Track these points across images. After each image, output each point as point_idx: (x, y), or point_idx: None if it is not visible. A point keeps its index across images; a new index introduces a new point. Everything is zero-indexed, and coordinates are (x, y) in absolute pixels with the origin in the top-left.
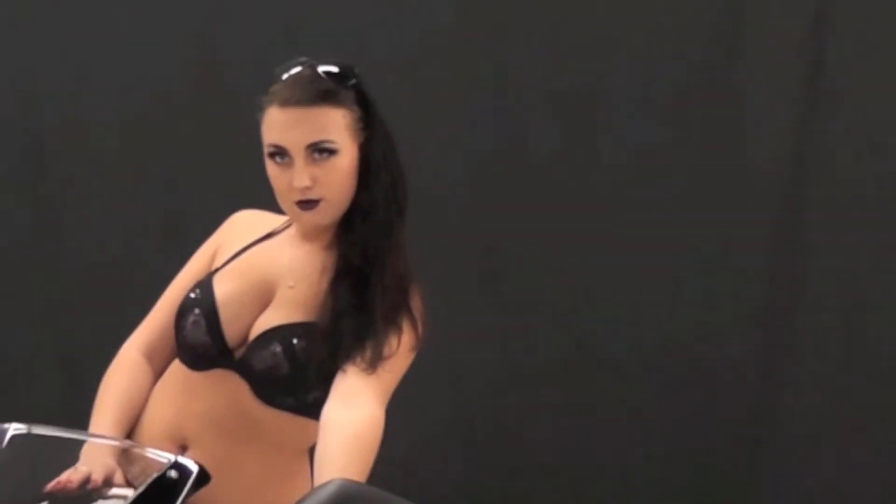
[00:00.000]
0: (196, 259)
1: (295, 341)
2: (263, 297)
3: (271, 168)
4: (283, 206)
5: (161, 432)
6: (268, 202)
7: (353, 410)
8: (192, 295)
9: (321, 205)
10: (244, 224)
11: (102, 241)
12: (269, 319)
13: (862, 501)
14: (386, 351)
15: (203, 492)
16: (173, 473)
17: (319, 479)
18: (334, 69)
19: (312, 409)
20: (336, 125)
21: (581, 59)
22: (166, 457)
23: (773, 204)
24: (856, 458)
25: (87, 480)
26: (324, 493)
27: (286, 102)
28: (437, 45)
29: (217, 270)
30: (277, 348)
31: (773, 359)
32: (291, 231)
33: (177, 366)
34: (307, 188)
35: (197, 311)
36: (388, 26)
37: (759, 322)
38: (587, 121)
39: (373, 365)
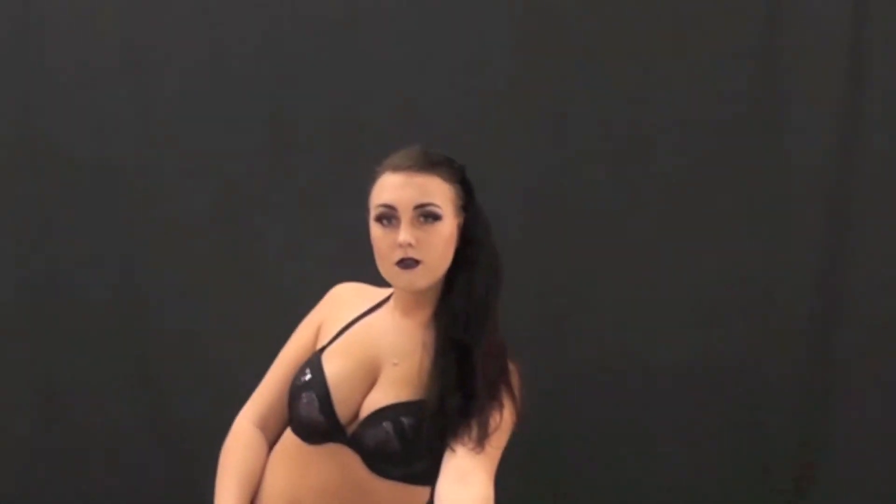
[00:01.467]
0: (300, 334)
1: (404, 420)
2: (370, 375)
3: (376, 231)
4: (382, 268)
5: (283, 500)
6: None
7: (468, 489)
8: (305, 377)
9: (420, 267)
10: (345, 298)
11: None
12: (379, 399)
13: None
14: (491, 427)
15: None
16: None
17: None
18: (442, 152)
19: (420, 478)
20: (442, 194)
21: (630, 102)
22: None
23: (816, 216)
24: None
25: None
26: None
27: (398, 168)
28: (497, 101)
29: (324, 348)
30: (388, 426)
31: (816, 372)
32: (391, 307)
33: (290, 438)
34: (410, 246)
35: (311, 392)
36: (452, 84)
37: (803, 333)
38: (636, 157)
39: (480, 443)
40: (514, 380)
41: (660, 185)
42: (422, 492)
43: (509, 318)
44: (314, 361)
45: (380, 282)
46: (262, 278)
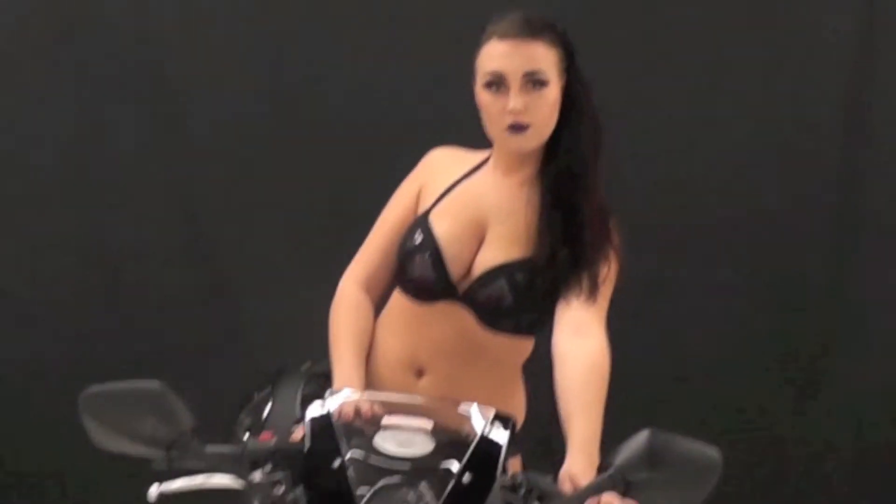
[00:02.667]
0: (400, 199)
1: (517, 276)
2: (478, 233)
3: (485, 97)
4: (492, 132)
5: (398, 362)
6: None
7: (586, 342)
8: (416, 239)
9: (529, 131)
10: (443, 162)
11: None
12: (492, 257)
13: None
14: (600, 278)
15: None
16: (495, 427)
17: (568, 407)
18: (543, 16)
19: (528, 329)
20: (547, 60)
21: None
22: (482, 412)
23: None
24: None
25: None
26: (639, 442)
27: (506, 35)
28: None
29: (429, 211)
30: (503, 283)
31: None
32: (490, 168)
33: (400, 301)
34: (520, 112)
35: (424, 252)
36: None
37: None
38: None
39: (592, 294)
40: (615, 235)
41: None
42: (528, 341)
43: None
44: (422, 223)
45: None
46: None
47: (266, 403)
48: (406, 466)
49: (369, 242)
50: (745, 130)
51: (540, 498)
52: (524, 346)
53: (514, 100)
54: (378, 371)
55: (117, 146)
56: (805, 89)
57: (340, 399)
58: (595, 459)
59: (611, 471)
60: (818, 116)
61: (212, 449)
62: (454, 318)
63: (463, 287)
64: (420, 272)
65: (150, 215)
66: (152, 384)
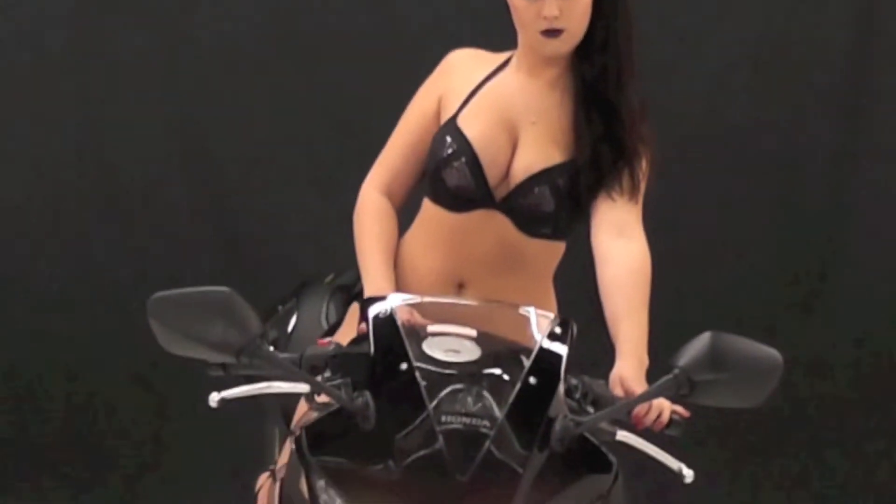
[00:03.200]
0: (420, 103)
1: (559, 181)
2: (511, 135)
3: (518, 1)
4: (525, 37)
5: (437, 276)
6: None
7: (630, 243)
8: (449, 147)
9: (564, 34)
10: (464, 65)
11: None
12: (530, 162)
13: None
14: (639, 177)
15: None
16: (559, 328)
17: (614, 309)
18: None
19: (566, 232)
20: None
21: None
22: (545, 314)
23: None
24: None
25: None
26: (702, 343)
27: None
28: None
29: (457, 115)
30: (544, 190)
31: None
32: (514, 68)
33: (433, 212)
34: (555, 17)
35: (459, 160)
36: None
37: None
38: None
39: (633, 193)
40: (650, 128)
41: None
42: (561, 246)
43: None
44: (452, 129)
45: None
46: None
47: (291, 316)
48: (469, 371)
49: (390, 147)
50: (750, 43)
51: (594, 402)
52: (558, 251)
53: (550, 6)
54: (415, 287)
55: (118, 56)
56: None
57: (398, 301)
58: (644, 361)
59: (676, 371)
60: (824, 28)
61: (282, 354)
62: (492, 227)
63: (501, 194)
64: (457, 180)
65: (152, 129)
66: (221, 290)
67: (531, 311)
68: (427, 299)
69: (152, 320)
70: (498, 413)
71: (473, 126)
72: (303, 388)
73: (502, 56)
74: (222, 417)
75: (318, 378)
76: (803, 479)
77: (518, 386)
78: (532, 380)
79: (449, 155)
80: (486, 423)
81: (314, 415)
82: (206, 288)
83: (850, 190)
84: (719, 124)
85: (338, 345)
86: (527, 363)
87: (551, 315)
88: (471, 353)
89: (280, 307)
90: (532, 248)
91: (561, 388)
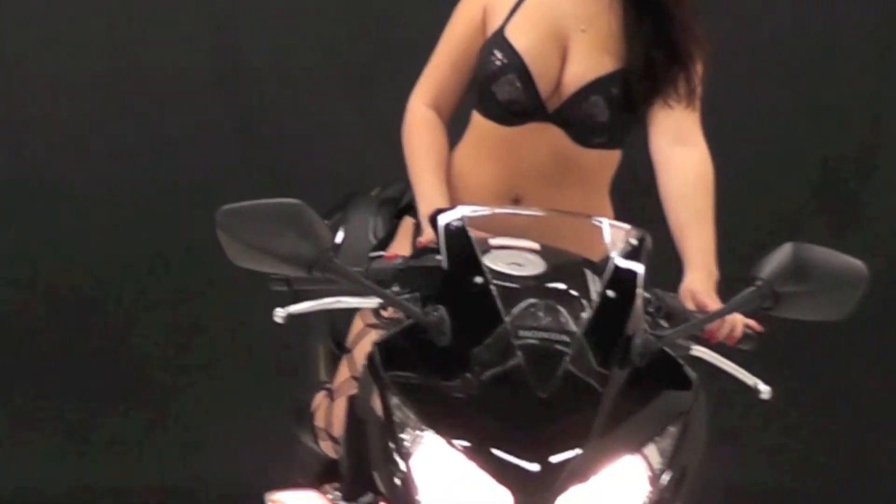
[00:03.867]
0: (464, 14)
1: (613, 90)
2: (560, 45)
3: None
4: None
5: (492, 191)
6: None
7: (691, 150)
8: (498, 60)
9: None
10: None
11: None
12: (582, 72)
13: None
14: (696, 82)
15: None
16: (634, 240)
17: (680, 218)
18: None
19: (620, 141)
20: None
21: None
22: (619, 225)
23: None
24: None
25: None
26: (784, 254)
27: None
28: None
29: (504, 27)
30: (598, 99)
31: None
32: None
33: (483, 126)
34: None
35: (510, 73)
36: None
37: None
38: None
39: (690, 98)
40: (702, 31)
41: None
42: (617, 154)
43: None
44: (500, 41)
45: None
46: None
47: (337, 230)
48: (540, 285)
49: (435, 60)
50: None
51: (668, 316)
52: (614, 160)
53: None
54: (469, 202)
55: None
56: None
57: (469, 213)
58: (714, 272)
59: (758, 283)
60: None
61: (354, 267)
62: (546, 138)
63: (553, 105)
64: (508, 93)
65: (186, 43)
66: (292, 202)
67: (604, 222)
68: (497, 210)
69: (221, 233)
70: (575, 328)
71: (522, 37)
72: (372, 302)
73: None
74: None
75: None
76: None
77: (596, 300)
78: (610, 293)
79: (498, 68)
80: (565, 337)
81: (372, 332)
82: (276, 200)
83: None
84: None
85: (404, 258)
86: (603, 276)
87: (626, 227)
88: (535, 266)
89: (326, 221)
90: (587, 159)
91: (639, 302)
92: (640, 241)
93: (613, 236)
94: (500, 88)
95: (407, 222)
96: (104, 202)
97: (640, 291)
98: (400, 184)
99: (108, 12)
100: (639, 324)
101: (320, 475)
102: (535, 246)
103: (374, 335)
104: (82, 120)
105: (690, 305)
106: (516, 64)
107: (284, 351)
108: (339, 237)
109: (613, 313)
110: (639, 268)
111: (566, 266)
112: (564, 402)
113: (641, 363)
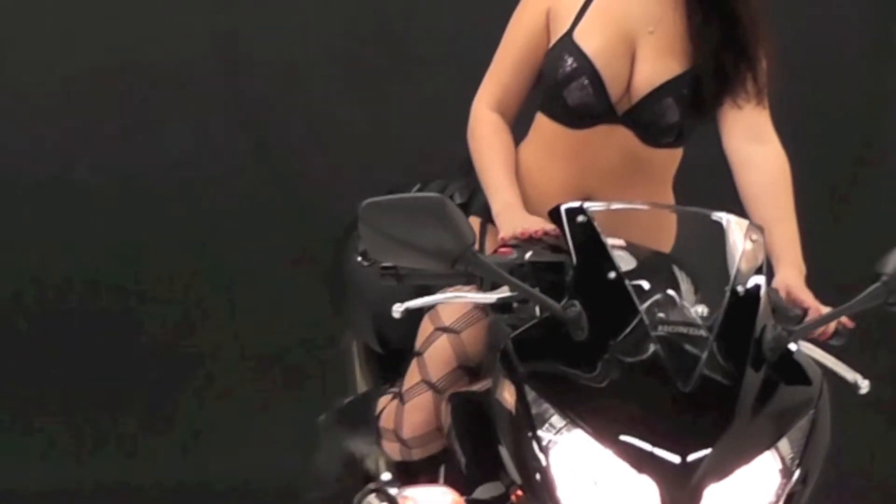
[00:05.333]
0: (528, 16)
1: (684, 91)
2: (629, 47)
3: None
4: None
5: (562, 189)
6: None
7: (766, 147)
8: (568, 64)
9: None
10: None
11: None
12: (653, 74)
13: None
14: (763, 81)
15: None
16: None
17: (762, 215)
18: None
19: (687, 138)
20: None
21: None
22: (739, 220)
23: None
24: None
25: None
26: None
27: None
28: None
29: (572, 31)
30: (670, 102)
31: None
32: None
33: (551, 127)
34: None
35: (581, 78)
36: None
37: None
38: None
39: (760, 97)
40: (769, 28)
41: None
42: (681, 150)
43: None
44: (570, 46)
45: None
46: None
47: None
48: (668, 280)
49: (499, 63)
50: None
51: (773, 311)
52: (678, 156)
53: None
54: (541, 202)
55: None
56: None
57: (595, 208)
58: (803, 267)
59: (884, 279)
60: None
61: (501, 264)
62: (615, 140)
63: (623, 108)
64: (579, 98)
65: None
66: (435, 196)
67: (724, 218)
68: (617, 206)
69: (363, 226)
70: (709, 322)
71: (591, 41)
72: (490, 298)
73: None
74: None
75: (503, 288)
76: None
77: (727, 294)
78: (739, 289)
79: (569, 73)
80: (702, 332)
81: (443, 335)
82: (419, 194)
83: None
84: None
85: (520, 252)
86: (731, 271)
87: (745, 222)
88: (627, 262)
89: None
90: (655, 157)
91: (765, 298)
92: (759, 234)
93: (735, 231)
94: (570, 93)
95: (473, 221)
96: (106, 198)
97: (765, 287)
98: (440, 182)
99: (112, 12)
100: (767, 318)
101: (381, 475)
102: (622, 242)
103: (445, 339)
104: (86, 108)
105: (790, 303)
106: (587, 68)
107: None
108: None
109: (745, 306)
110: (762, 261)
111: (654, 262)
112: (704, 397)
113: (773, 357)
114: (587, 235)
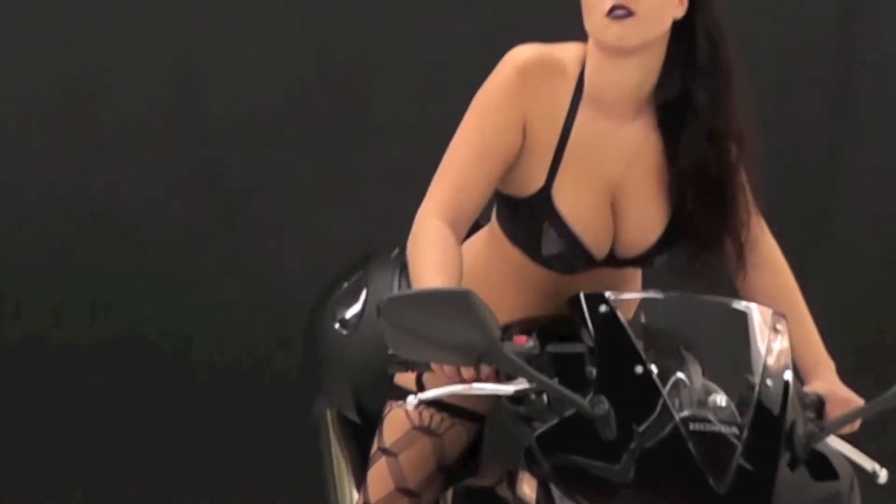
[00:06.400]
0: (495, 120)
1: (673, 236)
2: (609, 198)
3: None
4: (590, 22)
5: (513, 314)
6: None
7: (762, 252)
8: (545, 229)
9: (632, 19)
10: (543, 82)
11: None
12: (640, 237)
13: None
14: (749, 203)
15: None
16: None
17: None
18: None
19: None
20: None
21: None
22: (763, 309)
23: None
24: None
25: None
26: None
27: None
28: None
29: (550, 185)
30: (663, 258)
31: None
32: (588, 107)
33: (518, 258)
34: None
35: (562, 242)
36: None
37: None
38: None
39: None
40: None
41: None
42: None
43: None
44: (547, 208)
45: None
46: None
47: (359, 293)
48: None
49: (453, 168)
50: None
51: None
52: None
53: None
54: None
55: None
56: None
57: (617, 298)
58: (831, 362)
59: None
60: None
61: (518, 354)
62: (595, 274)
63: (606, 258)
64: (558, 257)
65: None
66: (461, 290)
67: (750, 307)
68: (638, 296)
69: (385, 322)
70: (740, 418)
71: (571, 204)
72: (508, 390)
73: (573, 53)
74: None
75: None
76: None
77: (757, 388)
78: (769, 381)
79: (548, 236)
80: (735, 429)
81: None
82: (443, 288)
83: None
84: None
85: (537, 342)
86: (757, 362)
87: (769, 311)
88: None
89: (345, 282)
90: (633, 275)
91: (793, 390)
92: (783, 323)
93: (760, 320)
94: (547, 247)
95: None
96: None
97: (793, 380)
98: None
99: (65, 57)
100: (796, 413)
101: None
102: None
103: (384, 462)
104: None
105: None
106: (567, 236)
107: None
108: (362, 299)
109: (774, 400)
110: (787, 352)
111: (665, 345)
112: (739, 497)
113: (804, 456)
114: (610, 326)
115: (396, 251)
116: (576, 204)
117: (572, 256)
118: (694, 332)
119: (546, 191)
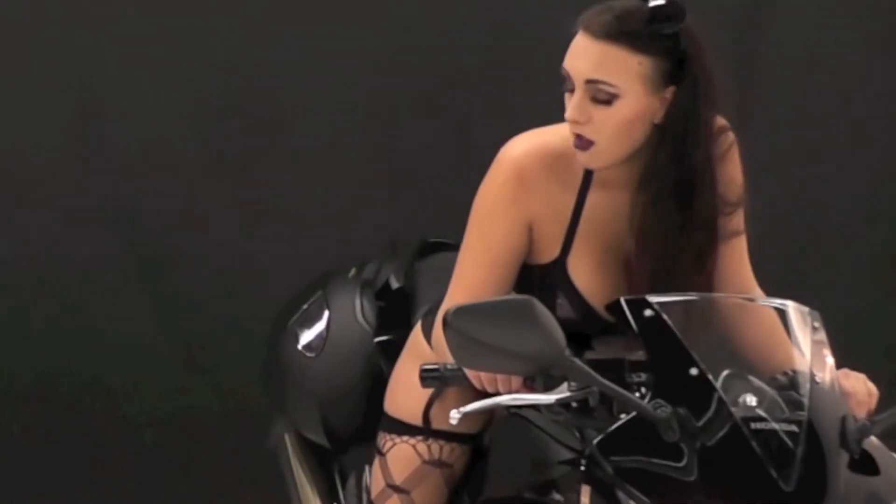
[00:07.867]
0: (498, 227)
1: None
2: (620, 261)
3: (566, 96)
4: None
5: None
6: None
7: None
8: (560, 303)
9: (592, 148)
10: (541, 176)
11: None
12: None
13: None
14: (743, 248)
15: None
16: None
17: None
18: (661, 5)
19: None
20: (626, 70)
21: None
22: (800, 307)
23: None
24: None
25: None
26: None
27: (585, 28)
28: None
29: (565, 261)
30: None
31: None
32: (601, 178)
33: None
34: (576, 122)
35: (575, 312)
36: None
37: None
38: None
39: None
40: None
41: None
42: None
43: None
44: (562, 280)
45: None
46: None
47: (321, 314)
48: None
49: (471, 274)
50: None
51: None
52: None
53: (571, 107)
54: None
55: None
56: None
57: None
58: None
59: None
60: None
61: (587, 365)
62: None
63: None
64: (570, 322)
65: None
66: (524, 298)
67: (787, 304)
68: (679, 297)
69: (450, 332)
70: (795, 416)
71: (586, 273)
72: (550, 399)
73: (561, 135)
74: None
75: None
76: None
77: (808, 385)
78: (817, 378)
79: (560, 301)
80: (794, 427)
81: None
82: (508, 297)
83: None
84: None
85: (574, 348)
86: (803, 360)
87: (806, 309)
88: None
89: (304, 304)
90: None
91: (837, 386)
92: (821, 320)
93: (800, 318)
94: (561, 312)
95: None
96: None
97: (835, 374)
98: (374, 264)
99: None
100: (845, 409)
101: None
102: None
103: (397, 500)
104: None
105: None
106: (583, 308)
107: None
108: (324, 320)
109: (824, 397)
110: (828, 348)
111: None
112: (805, 495)
113: (858, 451)
114: (658, 330)
115: (353, 271)
116: (590, 274)
117: (587, 325)
118: (735, 332)
119: (561, 262)
